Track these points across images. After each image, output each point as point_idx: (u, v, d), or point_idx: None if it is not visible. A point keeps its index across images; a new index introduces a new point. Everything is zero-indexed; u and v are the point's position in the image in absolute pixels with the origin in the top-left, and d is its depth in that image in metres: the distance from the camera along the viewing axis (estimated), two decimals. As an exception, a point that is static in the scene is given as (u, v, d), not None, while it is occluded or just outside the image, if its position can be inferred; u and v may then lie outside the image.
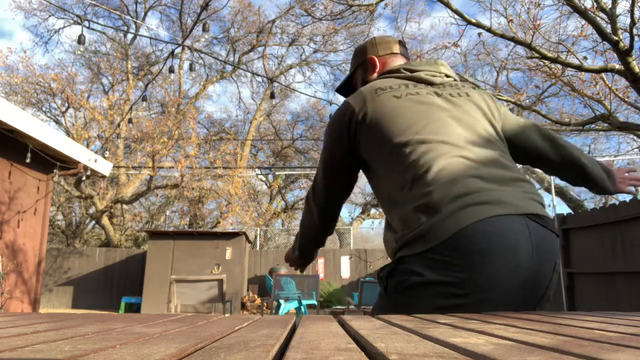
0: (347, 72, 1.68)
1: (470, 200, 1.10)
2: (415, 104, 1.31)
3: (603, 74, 7.48)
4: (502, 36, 6.57)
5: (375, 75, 1.56)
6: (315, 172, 1.65)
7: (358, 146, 1.35)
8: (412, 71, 1.45)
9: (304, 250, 1.64)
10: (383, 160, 1.28)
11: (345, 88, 1.71)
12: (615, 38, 5.64)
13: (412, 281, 1.12)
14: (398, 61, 1.57)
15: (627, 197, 8.58)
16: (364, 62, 1.60)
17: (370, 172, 1.38)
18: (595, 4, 6.26)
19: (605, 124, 7.92)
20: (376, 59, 1.57)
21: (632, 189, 1.53)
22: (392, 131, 1.27)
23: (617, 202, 7.91)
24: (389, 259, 1.28)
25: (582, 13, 5.91)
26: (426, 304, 1.10)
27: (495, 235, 1.07)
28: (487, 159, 1.21)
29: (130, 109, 12.03)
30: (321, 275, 13.32)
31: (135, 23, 17.67)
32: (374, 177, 1.36)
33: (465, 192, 1.11)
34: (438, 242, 1.08)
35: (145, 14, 18.82)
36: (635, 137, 12.80)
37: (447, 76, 1.48)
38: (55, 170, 6.34)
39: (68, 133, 15.54)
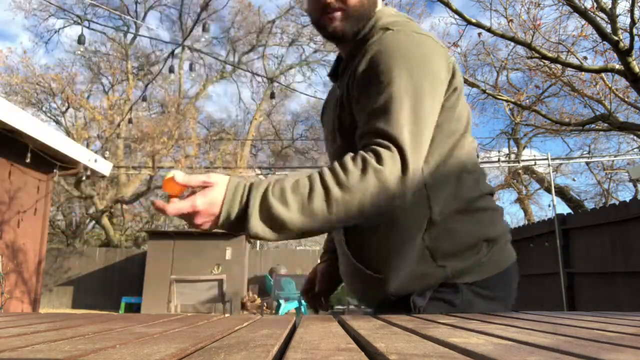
0: None
1: (509, 238, 1.15)
2: None
3: (603, 74, 7.48)
4: (502, 36, 6.57)
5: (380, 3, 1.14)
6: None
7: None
8: None
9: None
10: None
11: None
12: (615, 38, 5.65)
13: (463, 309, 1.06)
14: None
15: (627, 197, 8.59)
16: None
17: None
18: (595, 4, 6.26)
19: (605, 124, 7.93)
20: None
21: None
22: (463, 117, 1.10)
23: (617, 202, 7.92)
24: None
25: (582, 13, 5.92)
26: None
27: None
28: None
29: (130, 109, 12.02)
30: (321, 275, 13.29)
31: (135, 23, 17.68)
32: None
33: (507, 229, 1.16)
34: (493, 273, 1.07)
35: (145, 14, 18.84)
36: (635, 137, 12.80)
37: None
38: (55, 170, 6.34)
39: (68, 133, 15.54)
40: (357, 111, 1.02)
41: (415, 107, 0.94)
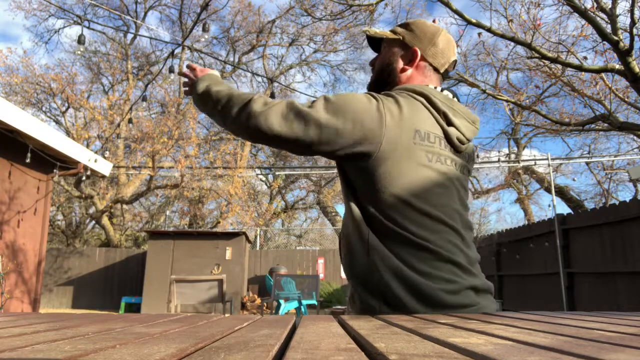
0: (378, 33, 1.31)
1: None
2: (438, 179, 1.12)
3: (603, 74, 7.48)
4: (502, 36, 6.57)
5: (406, 73, 1.25)
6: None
7: (356, 157, 1.10)
8: (449, 120, 1.17)
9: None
10: (378, 203, 1.10)
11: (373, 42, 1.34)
12: (615, 38, 5.65)
13: None
14: (434, 80, 1.26)
15: (627, 197, 8.58)
16: (406, 46, 1.25)
17: (351, 190, 1.16)
18: (595, 4, 6.26)
19: (605, 124, 7.93)
20: (418, 55, 1.24)
21: None
22: (409, 189, 1.09)
23: (617, 202, 7.92)
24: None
25: (582, 13, 5.92)
26: None
27: None
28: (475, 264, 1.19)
29: (130, 109, 12.02)
30: (321, 275, 13.32)
31: (135, 23, 17.67)
32: (352, 198, 1.16)
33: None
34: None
35: (145, 14, 18.82)
36: (635, 137, 12.80)
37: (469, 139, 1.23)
38: (55, 170, 6.34)
39: (68, 133, 15.53)
40: None
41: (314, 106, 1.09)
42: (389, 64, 1.27)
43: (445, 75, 1.30)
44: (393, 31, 1.28)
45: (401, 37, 1.26)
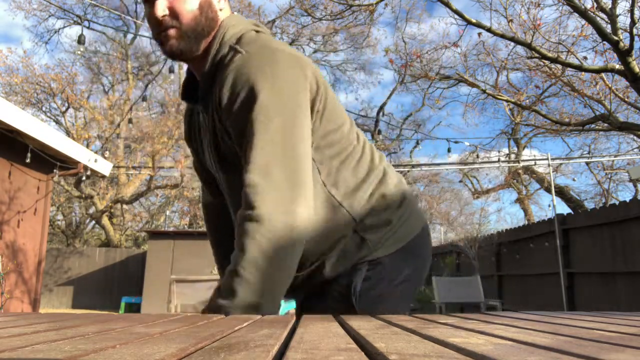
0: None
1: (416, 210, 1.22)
2: None
3: (603, 74, 7.48)
4: (502, 36, 6.58)
5: (223, 12, 1.11)
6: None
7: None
8: None
9: None
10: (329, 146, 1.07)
11: None
12: (615, 38, 5.65)
13: (395, 284, 1.11)
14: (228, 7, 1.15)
15: (627, 197, 8.58)
16: None
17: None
18: (595, 4, 6.26)
19: (605, 124, 7.93)
20: None
21: None
22: (343, 119, 1.12)
23: (617, 202, 7.92)
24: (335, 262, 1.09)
25: (582, 13, 5.92)
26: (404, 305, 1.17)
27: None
28: None
29: (130, 109, 12.03)
30: (321, 275, 13.29)
31: (135, 23, 17.67)
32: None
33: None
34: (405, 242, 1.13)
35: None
36: (635, 137, 12.80)
37: None
38: (55, 170, 6.34)
39: (68, 133, 15.53)
40: (236, 144, 1.00)
41: (287, 141, 0.94)
42: (207, 13, 1.07)
43: None
44: None
45: None
